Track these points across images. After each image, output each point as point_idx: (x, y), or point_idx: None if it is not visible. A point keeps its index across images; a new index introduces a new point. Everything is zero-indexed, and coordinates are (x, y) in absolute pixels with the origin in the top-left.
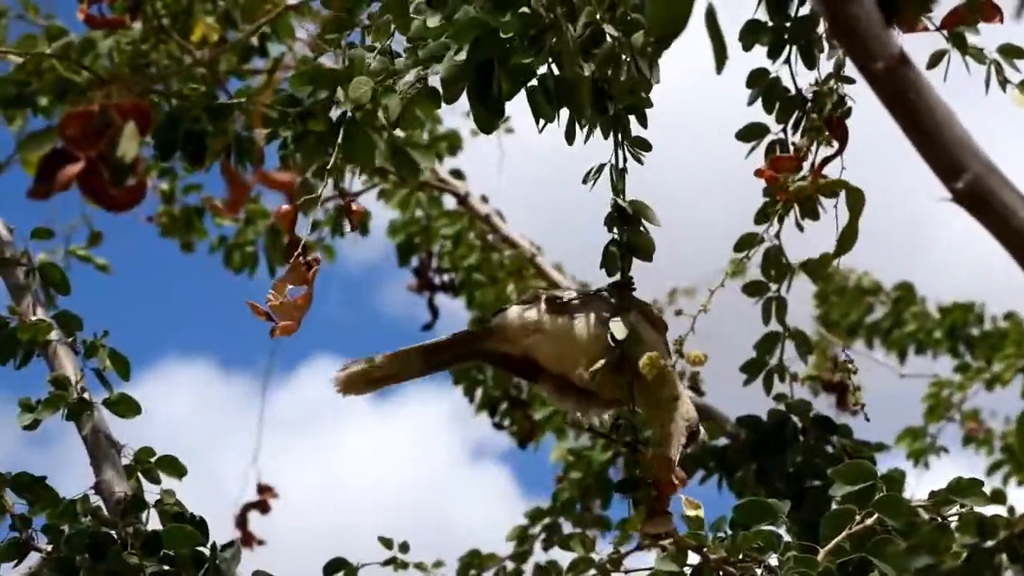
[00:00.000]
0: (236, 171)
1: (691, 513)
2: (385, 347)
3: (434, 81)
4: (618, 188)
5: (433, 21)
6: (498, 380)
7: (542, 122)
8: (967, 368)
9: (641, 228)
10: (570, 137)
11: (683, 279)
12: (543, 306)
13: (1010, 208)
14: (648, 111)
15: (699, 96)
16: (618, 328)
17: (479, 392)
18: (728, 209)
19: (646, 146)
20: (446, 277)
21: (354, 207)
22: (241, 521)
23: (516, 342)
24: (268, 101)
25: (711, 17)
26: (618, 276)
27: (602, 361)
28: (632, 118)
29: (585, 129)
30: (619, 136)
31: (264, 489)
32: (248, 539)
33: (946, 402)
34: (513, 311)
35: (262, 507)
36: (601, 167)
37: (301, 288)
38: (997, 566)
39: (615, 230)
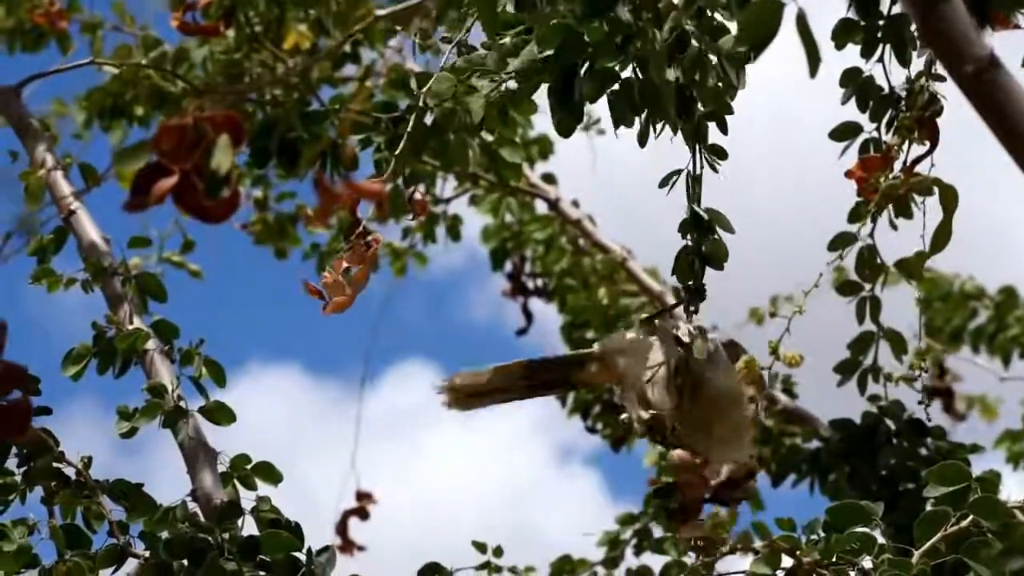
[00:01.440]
0: (326, 180)
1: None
2: (473, 353)
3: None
4: (694, 194)
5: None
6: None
7: (620, 128)
8: None
9: (715, 236)
10: (643, 141)
11: (780, 285)
12: (639, 329)
13: None
14: (736, 118)
15: (793, 98)
16: (698, 347)
17: (571, 396)
18: (823, 213)
19: (723, 154)
20: (539, 282)
21: (417, 196)
22: (342, 528)
23: (613, 367)
24: (360, 107)
25: (802, 21)
26: (691, 283)
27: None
28: (712, 124)
29: (661, 134)
30: (697, 143)
31: (363, 496)
32: (349, 546)
33: None
34: (618, 336)
35: (361, 513)
36: (678, 173)
37: (357, 267)
38: None
39: (688, 237)
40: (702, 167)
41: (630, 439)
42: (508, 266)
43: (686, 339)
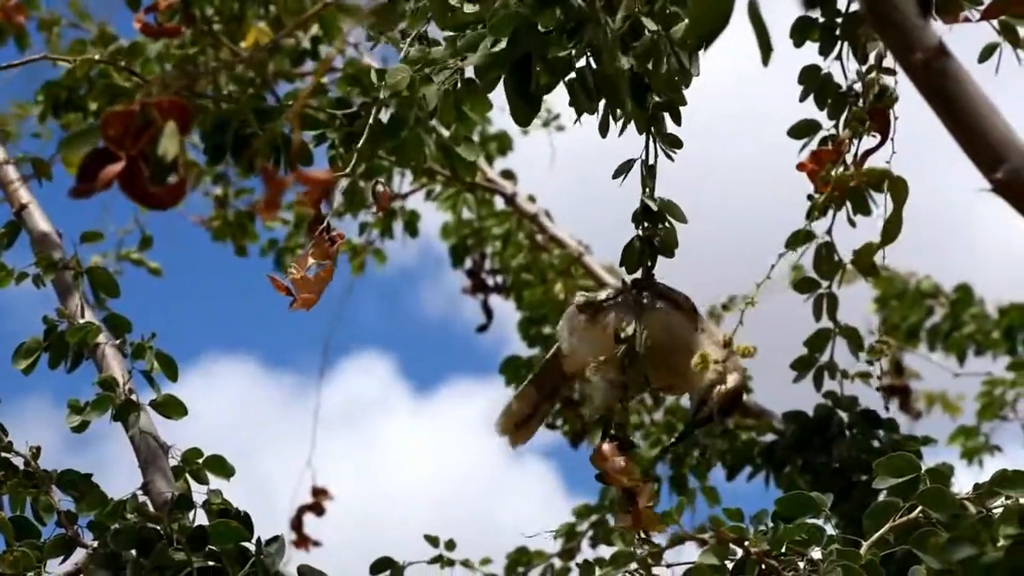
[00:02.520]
0: (273, 171)
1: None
2: (427, 347)
3: (471, 72)
4: (648, 184)
5: (471, 8)
6: None
7: (582, 116)
8: (1022, 367)
9: (667, 226)
10: (603, 130)
11: (737, 279)
12: (577, 312)
13: None
14: (704, 112)
15: (750, 95)
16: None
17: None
18: (781, 209)
19: (678, 143)
20: (499, 279)
21: (380, 188)
22: (296, 523)
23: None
24: (313, 103)
25: (754, 10)
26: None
27: (602, 358)
28: (667, 115)
29: (620, 123)
30: (652, 133)
31: (318, 492)
32: (303, 541)
33: (999, 401)
34: (562, 325)
35: (316, 509)
36: (631, 163)
37: (323, 263)
38: None
39: (640, 227)
40: (656, 157)
41: (590, 434)
42: (468, 263)
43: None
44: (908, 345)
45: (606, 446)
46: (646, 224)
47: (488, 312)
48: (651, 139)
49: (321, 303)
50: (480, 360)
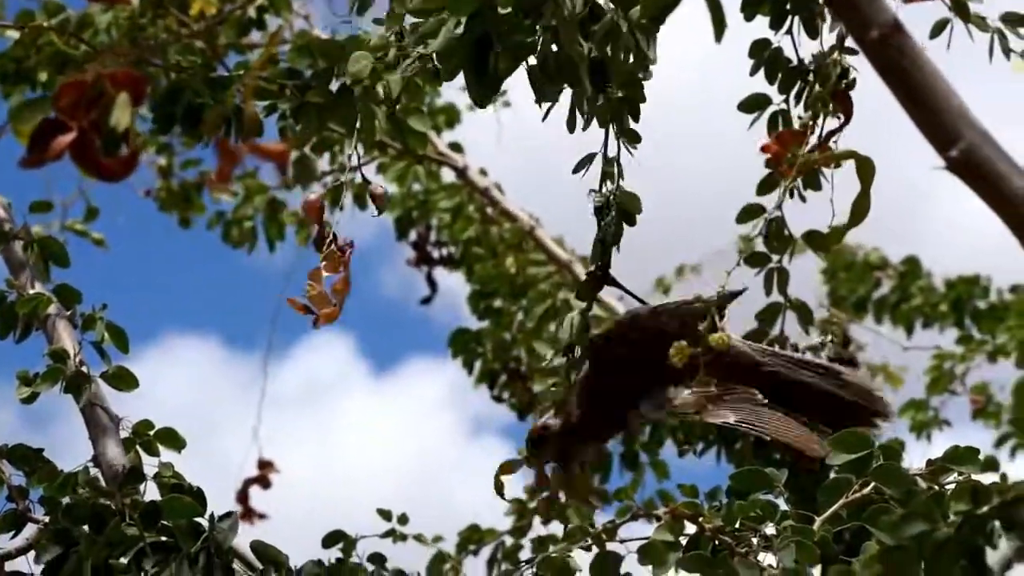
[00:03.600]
0: (226, 142)
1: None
2: (383, 323)
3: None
4: (609, 174)
5: None
6: (497, 353)
7: (543, 104)
8: (970, 340)
9: (617, 221)
10: (571, 126)
11: (688, 253)
12: None
13: (1004, 176)
14: (648, 96)
15: (703, 70)
16: None
17: (478, 365)
18: (731, 183)
19: (636, 138)
20: (444, 251)
21: (378, 191)
22: (242, 496)
23: None
24: (265, 73)
25: None
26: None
27: None
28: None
29: (583, 114)
30: (612, 126)
31: (265, 464)
32: (249, 513)
33: (948, 374)
34: None
35: (263, 482)
36: (592, 156)
37: (337, 274)
38: (990, 532)
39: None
40: (618, 149)
41: (539, 406)
42: (413, 235)
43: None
44: (856, 317)
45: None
46: (606, 219)
47: (432, 284)
48: (611, 131)
49: (273, 279)
50: (437, 339)
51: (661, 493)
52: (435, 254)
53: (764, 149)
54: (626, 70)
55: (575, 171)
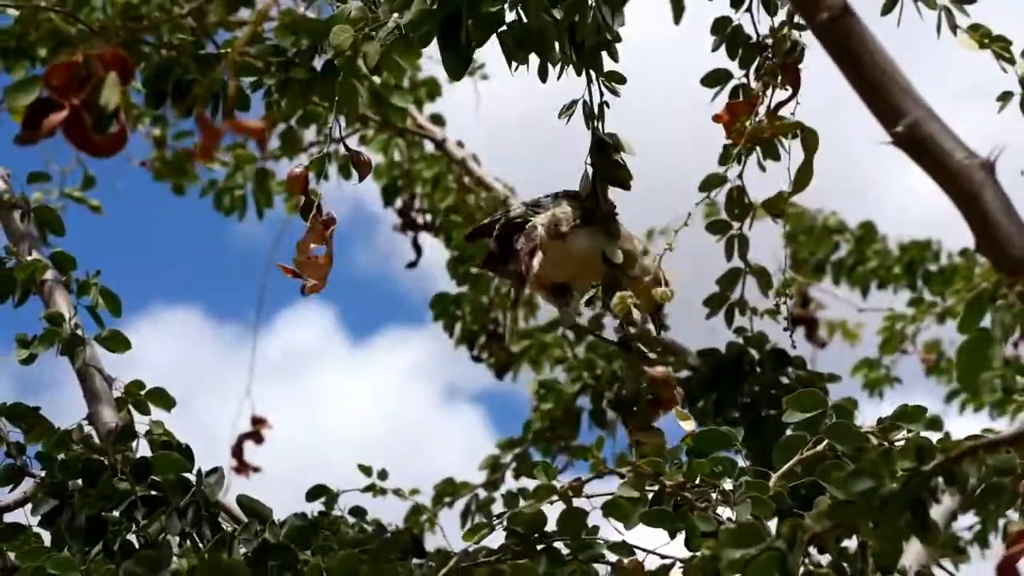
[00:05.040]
0: (208, 118)
1: (684, 424)
2: (365, 295)
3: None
4: (594, 121)
5: None
6: (476, 315)
7: (515, 65)
8: (920, 302)
9: (618, 159)
10: (543, 76)
11: (658, 221)
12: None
13: (947, 151)
14: (619, 49)
15: (668, 46)
16: (614, 253)
17: (458, 327)
18: (698, 154)
19: (621, 79)
20: (427, 218)
21: (364, 159)
22: (237, 450)
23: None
24: (250, 50)
25: None
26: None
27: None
28: (604, 54)
29: (558, 68)
30: (591, 72)
31: (257, 420)
32: (244, 467)
33: (900, 335)
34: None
35: (256, 437)
36: (575, 103)
37: (322, 247)
38: (934, 488)
39: (593, 162)
40: (602, 94)
41: (516, 365)
42: (399, 203)
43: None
44: (814, 279)
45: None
46: (599, 159)
47: (418, 249)
48: (591, 78)
49: (259, 250)
50: (412, 311)
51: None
52: (420, 220)
53: (716, 119)
54: (593, 32)
55: (560, 115)
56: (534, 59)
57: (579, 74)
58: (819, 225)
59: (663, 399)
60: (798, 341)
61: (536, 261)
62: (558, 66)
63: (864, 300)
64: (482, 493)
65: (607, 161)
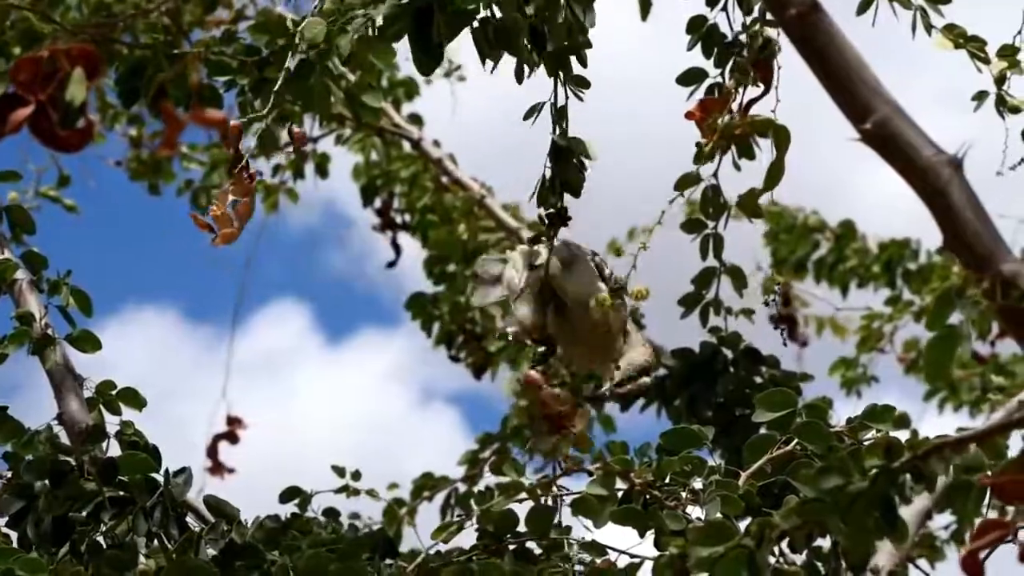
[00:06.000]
0: (171, 109)
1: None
2: (333, 298)
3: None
4: (558, 125)
5: None
6: (454, 315)
7: (489, 64)
8: (898, 301)
9: (573, 163)
10: (519, 77)
11: (637, 220)
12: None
13: (914, 147)
14: (591, 56)
15: (645, 46)
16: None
17: (436, 327)
18: (674, 153)
19: (585, 84)
20: (406, 218)
21: (296, 129)
22: (212, 451)
23: None
24: (227, 50)
25: None
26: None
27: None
28: (573, 59)
29: (528, 69)
30: (559, 75)
31: (233, 421)
32: (219, 468)
33: (877, 333)
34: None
35: (231, 438)
36: (541, 105)
37: (243, 199)
38: (901, 485)
39: (550, 166)
40: (567, 98)
41: (493, 365)
42: (377, 202)
43: (539, 261)
44: (795, 277)
45: (535, 373)
46: (556, 163)
47: (397, 248)
48: (559, 82)
49: (235, 251)
50: (386, 313)
51: (598, 455)
52: (398, 220)
53: (688, 116)
54: (565, 30)
55: (525, 118)
56: (508, 62)
57: (550, 75)
58: (799, 224)
59: (557, 419)
60: (784, 339)
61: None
62: (529, 68)
63: (844, 299)
64: (462, 487)
65: (565, 165)
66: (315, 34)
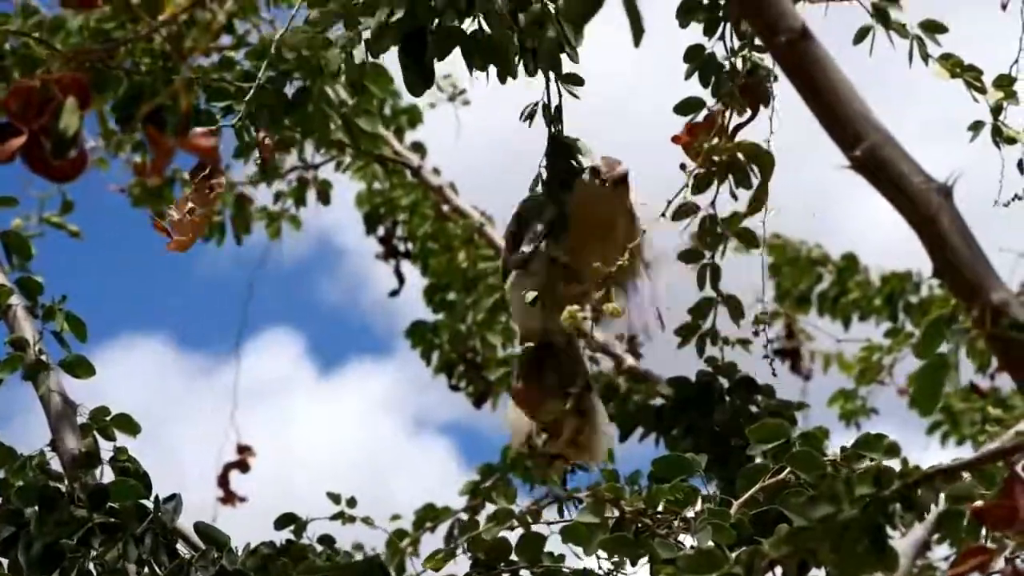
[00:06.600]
0: (160, 136)
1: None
2: (327, 327)
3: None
4: (552, 124)
5: None
6: (454, 344)
7: (487, 79)
8: (898, 333)
9: (573, 163)
10: (502, 78)
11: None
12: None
13: (905, 175)
14: (592, 91)
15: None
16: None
17: (435, 356)
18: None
19: (579, 81)
20: (410, 245)
21: (267, 141)
22: (223, 480)
23: None
24: (227, 76)
25: None
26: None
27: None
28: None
29: (524, 73)
30: (550, 74)
31: (243, 449)
32: (230, 497)
33: (876, 365)
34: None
35: (242, 466)
36: (536, 105)
37: (202, 209)
38: (892, 513)
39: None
40: (560, 96)
41: (494, 395)
42: (381, 230)
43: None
44: (799, 310)
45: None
46: (554, 160)
47: (400, 277)
48: (550, 80)
49: (233, 283)
50: (379, 342)
51: (604, 474)
52: (401, 248)
53: (675, 140)
54: (554, 47)
55: (521, 119)
56: (511, 93)
57: (545, 75)
58: (802, 257)
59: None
60: (785, 373)
61: None
62: (519, 76)
63: (846, 331)
64: (464, 517)
65: (562, 165)
66: (298, 41)
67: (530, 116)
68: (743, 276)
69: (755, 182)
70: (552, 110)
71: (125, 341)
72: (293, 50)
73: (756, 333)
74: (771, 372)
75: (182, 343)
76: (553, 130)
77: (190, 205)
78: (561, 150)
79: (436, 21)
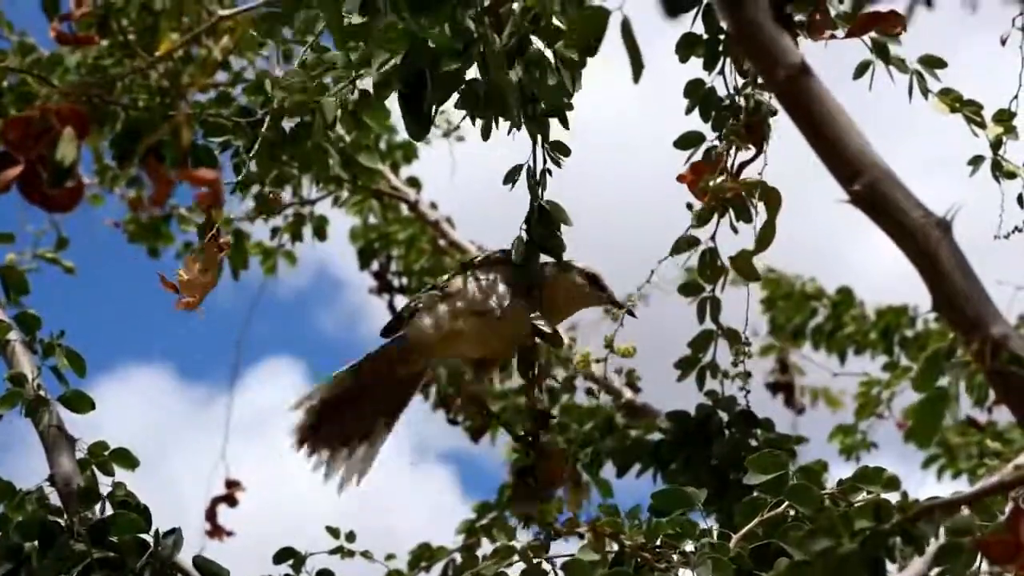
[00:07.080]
0: (160, 167)
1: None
2: (326, 357)
3: (365, 84)
4: (535, 190)
5: (359, 20)
6: (452, 378)
7: (480, 125)
8: (895, 367)
9: (554, 229)
10: (485, 135)
11: (633, 284)
12: (450, 312)
13: (903, 210)
14: (582, 120)
15: (641, 111)
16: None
17: (433, 390)
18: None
19: (565, 150)
20: (404, 280)
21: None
22: (210, 514)
23: (432, 351)
24: (224, 112)
25: (626, 29)
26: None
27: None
28: (555, 121)
29: (510, 130)
30: (539, 139)
31: (231, 484)
32: (218, 531)
33: (875, 400)
34: (424, 322)
35: (230, 500)
36: (519, 168)
37: (209, 269)
38: (891, 547)
39: (529, 230)
40: (545, 162)
41: (492, 429)
42: (375, 265)
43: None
44: (794, 344)
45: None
46: (537, 227)
47: (394, 312)
48: (538, 146)
49: (231, 314)
50: None
51: (603, 509)
52: (396, 283)
53: (680, 179)
54: (553, 92)
55: (505, 182)
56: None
57: (533, 140)
58: (797, 291)
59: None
60: (778, 408)
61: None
62: (512, 130)
63: (841, 365)
64: (459, 558)
65: (543, 230)
66: (292, 83)
67: (512, 180)
68: (738, 310)
69: (756, 217)
70: (537, 174)
71: (122, 372)
72: (287, 92)
73: (734, 364)
74: (745, 402)
75: (181, 374)
76: (536, 196)
77: (199, 266)
78: (543, 217)
79: (435, 67)
